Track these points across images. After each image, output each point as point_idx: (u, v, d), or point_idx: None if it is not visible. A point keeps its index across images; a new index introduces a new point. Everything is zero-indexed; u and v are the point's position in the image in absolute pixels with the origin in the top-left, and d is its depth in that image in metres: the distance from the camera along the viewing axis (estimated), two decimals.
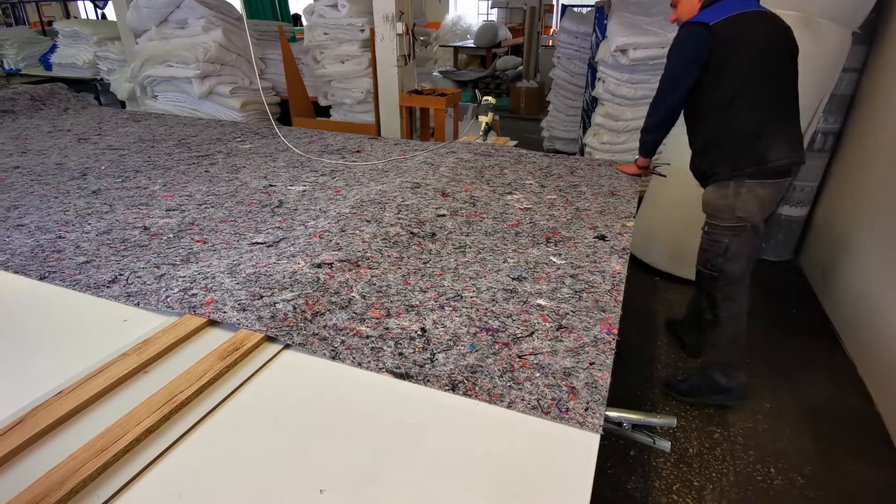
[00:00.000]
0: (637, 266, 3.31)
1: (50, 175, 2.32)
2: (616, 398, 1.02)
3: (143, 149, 2.76)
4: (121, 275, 1.47)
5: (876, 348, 2.30)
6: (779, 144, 1.84)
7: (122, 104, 5.55)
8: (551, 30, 10.95)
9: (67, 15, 10.33)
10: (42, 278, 1.46)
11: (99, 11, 9.25)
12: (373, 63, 4.08)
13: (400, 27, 3.82)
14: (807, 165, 3.04)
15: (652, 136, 2.12)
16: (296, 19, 10.54)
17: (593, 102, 4.00)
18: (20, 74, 6.15)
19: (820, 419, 2.16)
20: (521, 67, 8.30)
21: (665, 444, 0.99)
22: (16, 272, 1.50)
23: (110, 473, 0.84)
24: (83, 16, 11.89)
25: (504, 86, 8.08)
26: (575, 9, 5.54)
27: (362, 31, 4.21)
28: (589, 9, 5.13)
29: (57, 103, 3.72)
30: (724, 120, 1.90)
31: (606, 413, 1.00)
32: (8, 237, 1.71)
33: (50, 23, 9.00)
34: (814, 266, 3.19)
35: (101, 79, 5.79)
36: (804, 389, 2.31)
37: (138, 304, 1.33)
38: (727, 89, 1.86)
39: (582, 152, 4.20)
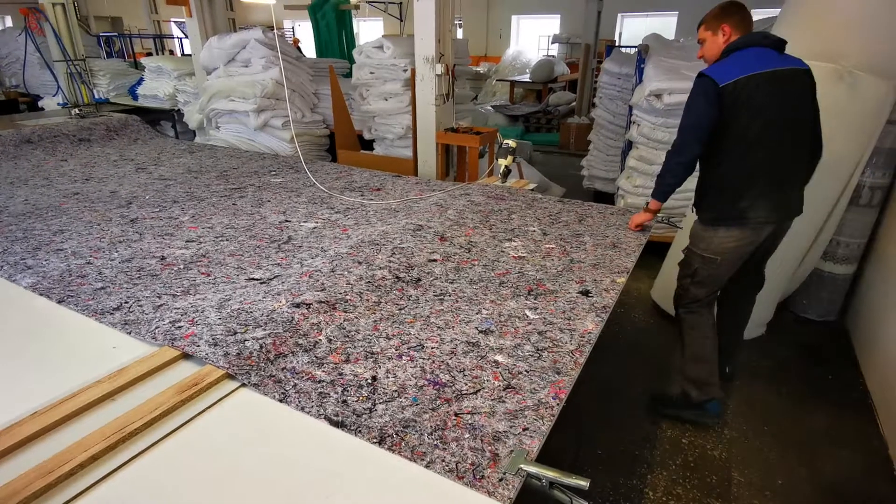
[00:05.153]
0: (661, 317, 3.20)
1: (101, 203, 2.59)
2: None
3: (188, 180, 3.02)
4: (125, 303, 1.63)
5: None
6: (762, 205, 1.95)
7: (194, 133, 6.07)
8: None
9: (161, 48, 11.48)
10: (60, 301, 1.64)
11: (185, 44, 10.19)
12: (412, 101, 4.26)
13: (439, 68, 3.98)
14: (853, 221, 2.89)
15: (670, 181, 2.08)
16: None
17: (629, 145, 3.95)
18: (109, 103, 6.86)
19: (836, 503, 1.98)
20: (573, 103, 8.30)
21: (582, 502, 0.99)
22: (41, 294, 1.69)
23: (52, 494, 0.94)
24: (178, 49, 13.14)
25: (555, 121, 8.10)
26: (622, 50, 5.51)
27: (405, 70, 4.40)
28: (635, 50, 5.10)
29: (129, 134, 4.14)
30: (716, 175, 2.04)
31: (526, 468, 1.00)
32: (46, 261, 1.93)
33: (148, 54, 10.00)
34: (859, 328, 2.94)
35: (179, 109, 6.37)
36: (824, 466, 2.13)
37: (130, 333, 1.47)
38: (726, 147, 1.96)
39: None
